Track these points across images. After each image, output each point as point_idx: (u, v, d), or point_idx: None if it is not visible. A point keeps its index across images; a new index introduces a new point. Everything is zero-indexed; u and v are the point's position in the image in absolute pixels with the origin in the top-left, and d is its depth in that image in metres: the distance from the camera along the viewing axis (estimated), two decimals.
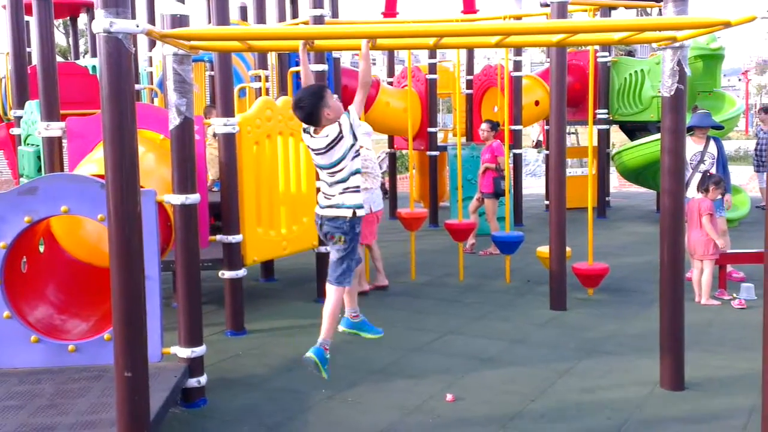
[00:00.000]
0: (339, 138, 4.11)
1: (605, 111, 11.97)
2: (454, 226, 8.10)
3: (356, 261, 4.38)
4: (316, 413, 4.53)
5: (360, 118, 4.28)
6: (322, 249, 7.07)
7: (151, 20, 11.73)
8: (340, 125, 4.11)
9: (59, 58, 12.63)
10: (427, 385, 4.94)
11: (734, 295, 6.93)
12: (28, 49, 9.11)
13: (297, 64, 8.48)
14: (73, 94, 7.90)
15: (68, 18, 15.81)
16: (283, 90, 8.80)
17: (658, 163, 4.83)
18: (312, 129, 4.20)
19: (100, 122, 3.52)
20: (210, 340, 5.60)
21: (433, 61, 11.47)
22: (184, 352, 4.56)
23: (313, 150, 4.23)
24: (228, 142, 6.00)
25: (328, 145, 4.13)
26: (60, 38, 32.41)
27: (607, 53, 11.95)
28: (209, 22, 9.67)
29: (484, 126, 9.33)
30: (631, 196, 15.11)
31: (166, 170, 5.13)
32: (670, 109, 4.61)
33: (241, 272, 6.13)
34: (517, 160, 11.70)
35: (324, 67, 6.80)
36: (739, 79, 51.83)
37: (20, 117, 7.48)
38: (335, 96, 4.30)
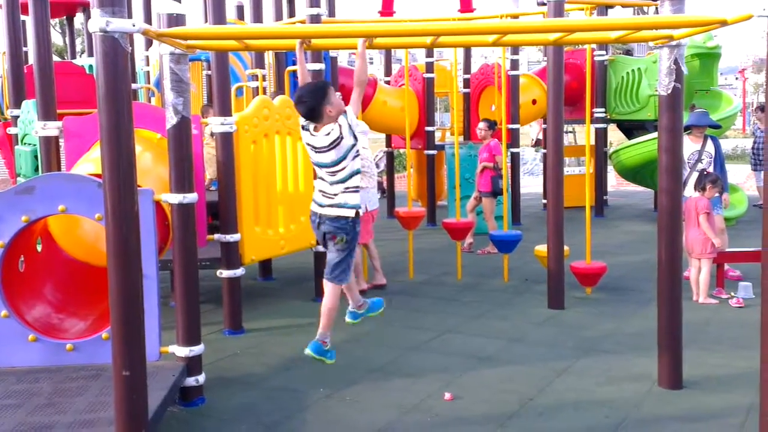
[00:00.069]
0: (339, 139, 4.10)
1: (602, 110, 11.98)
2: (451, 225, 8.10)
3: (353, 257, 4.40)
4: (314, 412, 4.53)
5: (358, 117, 4.28)
6: (320, 248, 7.07)
7: (148, 19, 11.71)
8: (339, 126, 4.09)
9: (56, 58, 12.61)
10: (425, 383, 4.94)
11: (732, 293, 6.94)
12: (24, 49, 9.09)
13: (294, 63, 8.46)
14: (70, 94, 7.88)
15: (65, 17, 15.77)
16: (280, 89, 8.79)
17: (655, 161, 4.83)
18: (312, 126, 4.18)
19: (97, 121, 3.51)
20: (208, 339, 5.59)
21: (430, 60, 11.47)
22: (182, 351, 4.56)
23: (313, 148, 4.19)
24: (225, 141, 5.99)
25: (330, 144, 4.11)
26: (57, 37, 32.39)
27: (604, 52, 11.95)
28: (206, 21, 9.66)
29: (481, 125, 9.33)
30: (628, 195, 15.12)
31: (163, 169, 5.13)
32: (667, 107, 4.62)
33: (239, 271, 6.13)
34: (515, 159, 11.71)
35: (321, 66, 6.80)
36: (736, 78, 51.94)
37: (17, 116, 7.46)
38: (338, 94, 4.30)
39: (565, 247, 6.85)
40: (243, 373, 5.25)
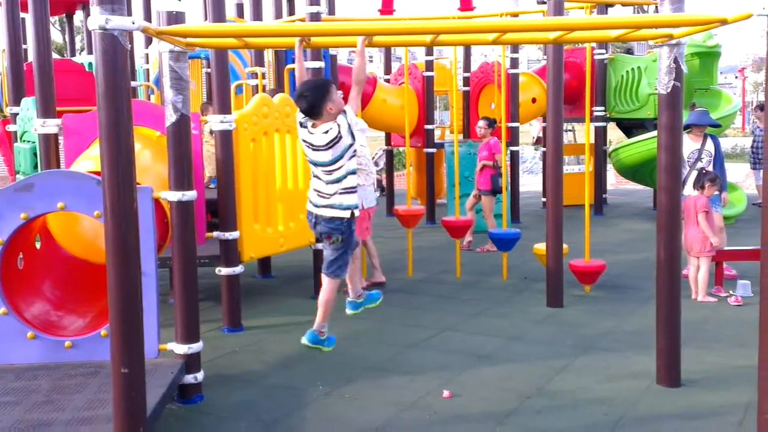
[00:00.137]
0: (338, 138, 4.09)
1: (602, 108, 11.98)
2: (451, 223, 8.10)
3: (353, 248, 4.45)
4: (312, 409, 4.53)
5: (357, 116, 4.28)
6: (319, 246, 7.07)
7: (147, 17, 11.70)
8: (338, 125, 4.09)
9: (55, 55, 12.61)
10: (424, 381, 4.94)
11: (731, 292, 6.94)
12: (24, 46, 9.09)
13: (294, 61, 8.46)
14: (70, 91, 7.88)
15: (64, 15, 15.75)
16: (279, 87, 8.78)
17: (654, 160, 4.84)
18: (310, 124, 4.17)
19: (96, 119, 3.51)
20: (207, 336, 5.60)
21: (430, 58, 11.46)
22: (181, 349, 4.57)
23: (310, 145, 4.19)
24: (225, 139, 5.99)
25: (328, 143, 4.10)
26: (56, 35, 32.36)
27: (604, 50, 11.95)
28: (205, 19, 9.66)
29: (481, 123, 9.33)
30: (628, 194, 15.12)
31: (162, 167, 5.13)
32: (667, 106, 4.62)
33: (238, 269, 6.13)
34: (515, 158, 11.71)
35: (321, 64, 6.79)
36: (736, 77, 51.91)
37: (16, 114, 7.46)
38: (339, 92, 4.30)
39: (564, 246, 6.86)
40: (242, 370, 5.25)
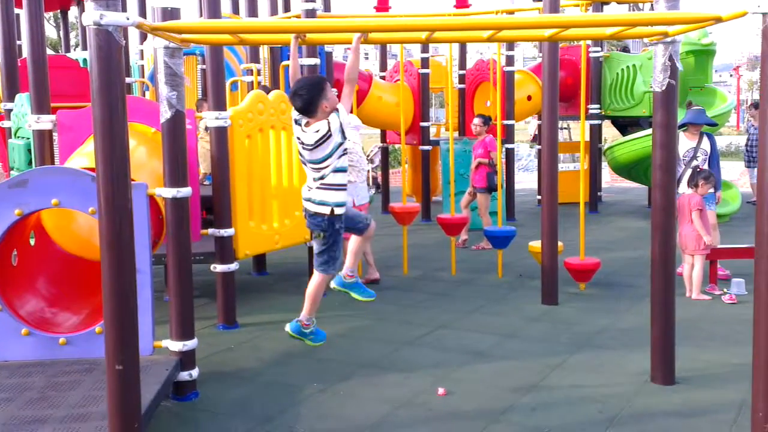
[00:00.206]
0: (327, 136, 4.10)
1: (597, 106, 12.00)
2: (446, 221, 8.10)
3: (365, 224, 4.51)
4: (307, 406, 4.53)
5: (353, 112, 4.29)
6: (316, 249, 7.06)
7: (142, 13, 11.67)
8: (329, 123, 4.10)
9: (50, 51, 12.56)
10: (419, 378, 4.95)
11: (725, 290, 6.96)
12: (18, 42, 9.05)
13: (289, 58, 8.45)
14: (64, 87, 7.86)
15: (59, 11, 15.71)
16: (275, 84, 8.77)
17: (649, 158, 4.85)
18: (304, 121, 4.18)
19: (90, 115, 3.50)
20: (202, 333, 5.59)
21: (425, 55, 11.46)
22: (176, 346, 4.56)
23: (302, 144, 4.22)
24: (220, 135, 5.98)
25: (317, 141, 4.12)
26: (50, 31, 32.24)
27: (599, 48, 11.96)
28: (201, 15, 9.64)
29: (476, 121, 9.33)
30: (622, 191, 15.15)
31: (157, 163, 5.12)
32: (662, 104, 4.62)
33: (233, 266, 6.12)
34: (510, 155, 11.72)
35: (316, 61, 6.78)
36: (731, 75, 51.97)
37: (10, 110, 7.44)
38: (334, 90, 4.30)
39: (559, 243, 6.87)
40: (237, 367, 5.25)
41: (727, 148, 23.52)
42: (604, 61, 12.04)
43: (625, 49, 14.27)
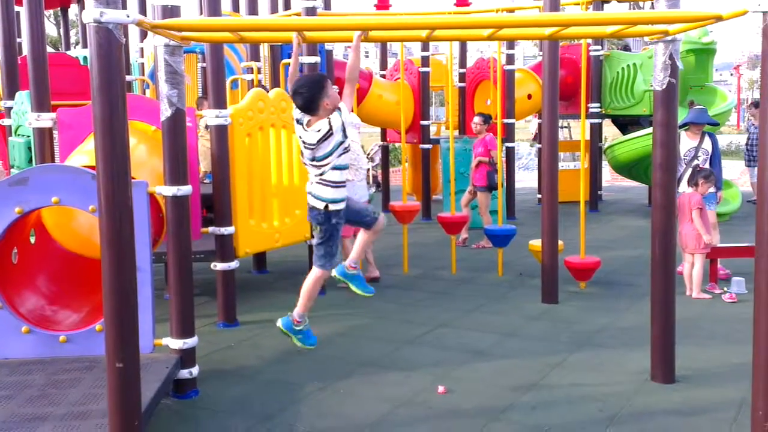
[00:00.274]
0: (329, 134, 4.11)
1: (597, 105, 11.99)
2: (446, 219, 8.10)
3: (372, 218, 4.51)
4: (307, 404, 4.53)
5: (353, 111, 4.30)
6: (313, 242, 7.07)
7: (143, 10, 11.67)
8: (330, 122, 4.11)
9: (50, 49, 12.55)
10: (419, 377, 4.95)
11: (725, 288, 6.96)
12: (18, 40, 9.05)
13: (289, 56, 8.44)
14: (64, 85, 7.84)
15: (59, 8, 15.71)
16: (275, 82, 8.77)
17: (649, 157, 4.85)
18: (305, 121, 4.19)
19: (91, 113, 3.50)
20: (202, 331, 5.59)
21: (426, 53, 11.46)
22: (176, 344, 4.56)
23: (303, 142, 4.24)
24: (220, 133, 5.98)
25: (319, 140, 4.14)
26: (51, 29, 32.23)
27: (599, 47, 11.96)
28: (201, 13, 9.64)
29: (476, 119, 9.33)
30: (623, 190, 15.15)
31: (157, 161, 5.12)
32: (662, 103, 4.62)
33: (234, 264, 6.12)
34: (510, 154, 11.72)
35: (316, 59, 6.78)
36: (731, 74, 51.98)
37: (11, 107, 7.43)
38: (335, 87, 4.31)
39: (560, 242, 6.87)
40: (237, 365, 5.25)
41: (728, 147, 23.51)
42: (605, 59, 12.03)
43: (626, 48, 14.26)
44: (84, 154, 5.37)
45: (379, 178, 13.82)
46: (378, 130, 13.61)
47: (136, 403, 3.59)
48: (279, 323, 4.46)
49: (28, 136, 6.67)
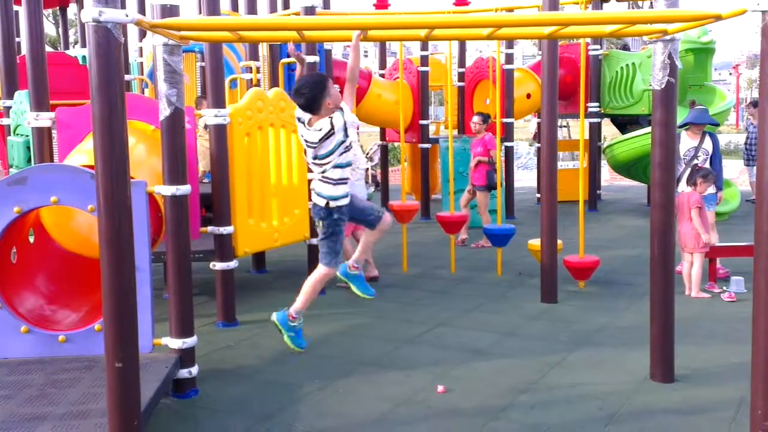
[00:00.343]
0: (330, 134, 4.15)
1: (596, 104, 11.99)
2: (445, 219, 8.10)
3: (376, 216, 4.55)
4: (307, 404, 4.53)
5: (352, 111, 4.33)
6: (313, 241, 7.08)
7: (141, 10, 11.66)
8: (332, 122, 4.14)
9: (49, 48, 12.54)
10: (419, 376, 4.95)
11: (724, 288, 6.96)
12: (17, 39, 9.03)
13: (288, 56, 8.44)
14: (63, 85, 7.85)
15: (58, 8, 15.70)
16: (274, 81, 8.76)
17: (648, 156, 4.86)
18: (307, 120, 4.24)
19: (89, 112, 3.50)
20: (201, 331, 5.59)
21: (425, 53, 11.45)
22: (176, 343, 4.56)
23: (305, 141, 4.29)
24: (219, 133, 5.97)
25: (320, 139, 4.19)
26: (49, 28, 32.22)
27: (598, 46, 11.96)
28: (200, 12, 9.64)
29: (475, 119, 9.33)
30: (622, 190, 15.16)
31: (156, 161, 5.12)
32: (661, 102, 4.62)
33: (233, 264, 6.12)
34: (509, 153, 11.72)
35: (315, 58, 6.78)
36: (730, 73, 52.01)
37: (9, 107, 7.43)
38: (336, 86, 4.33)
39: (559, 241, 6.87)
40: (236, 365, 5.25)
41: (727, 146, 23.52)
42: (604, 59, 12.03)
43: (625, 47, 14.26)
44: (83, 154, 5.37)
45: (378, 177, 13.82)
46: (377, 129, 13.60)
47: (136, 402, 3.58)
48: (274, 316, 4.51)
49: (27, 136, 6.67)
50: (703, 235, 6.88)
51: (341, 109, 4.18)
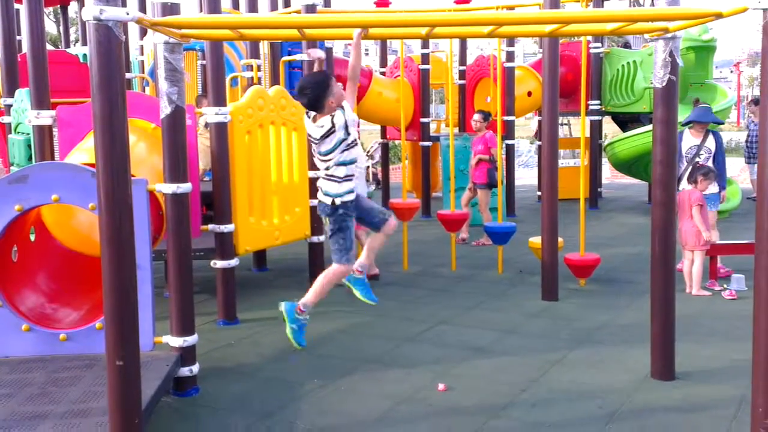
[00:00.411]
0: (331, 131, 4.19)
1: (597, 102, 11.98)
2: (446, 217, 8.10)
3: (381, 219, 4.61)
4: (308, 402, 4.53)
5: (353, 110, 4.35)
6: (314, 239, 7.09)
7: (142, 8, 11.65)
8: (333, 120, 4.17)
9: (50, 47, 12.54)
10: (419, 374, 4.95)
11: (725, 286, 6.96)
12: (18, 38, 9.04)
13: (289, 54, 8.44)
14: (64, 83, 7.83)
15: (59, 6, 15.70)
16: (274, 79, 8.76)
17: (649, 154, 4.85)
18: (312, 115, 4.32)
19: (90, 111, 3.50)
20: (202, 329, 5.59)
21: (425, 51, 11.45)
22: (176, 342, 4.56)
23: (310, 136, 4.40)
24: (220, 131, 5.97)
25: (322, 136, 4.25)
26: (50, 26, 32.21)
27: (599, 44, 11.95)
28: (201, 10, 9.63)
29: (476, 117, 9.33)
30: (623, 187, 15.15)
31: (157, 159, 5.12)
32: (662, 100, 4.62)
33: (233, 262, 6.12)
34: (510, 151, 11.72)
35: (321, 53, 6.75)
36: (731, 71, 52.00)
37: (10, 105, 7.43)
38: (339, 84, 4.35)
39: (560, 239, 6.87)
40: (237, 363, 5.26)
41: (728, 144, 23.53)
42: (605, 57, 12.02)
43: (626, 45, 14.26)
44: (84, 152, 5.37)
45: (379, 175, 13.82)
46: (378, 127, 13.60)
47: (137, 401, 3.59)
48: (282, 305, 4.56)
49: (28, 134, 6.66)
50: (704, 233, 6.87)
51: (342, 107, 4.21)
